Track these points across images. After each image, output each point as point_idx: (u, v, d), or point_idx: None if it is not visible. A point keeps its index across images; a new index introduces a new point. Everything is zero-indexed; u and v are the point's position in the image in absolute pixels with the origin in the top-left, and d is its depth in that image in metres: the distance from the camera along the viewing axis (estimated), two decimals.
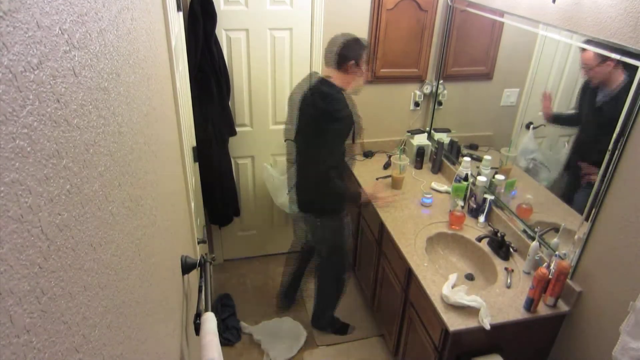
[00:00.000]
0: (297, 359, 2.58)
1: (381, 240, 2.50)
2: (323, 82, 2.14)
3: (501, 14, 2.21)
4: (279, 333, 2.68)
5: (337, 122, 2.09)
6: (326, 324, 2.77)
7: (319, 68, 2.74)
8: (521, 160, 2.24)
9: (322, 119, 2.09)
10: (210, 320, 1.16)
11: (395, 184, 2.67)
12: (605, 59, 1.65)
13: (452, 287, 1.88)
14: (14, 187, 0.33)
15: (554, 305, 1.83)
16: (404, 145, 3.03)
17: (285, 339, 2.65)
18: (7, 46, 0.33)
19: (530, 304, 1.80)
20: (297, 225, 2.75)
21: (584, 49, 1.76)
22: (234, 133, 2.74)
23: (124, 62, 0.72)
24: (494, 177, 2.36)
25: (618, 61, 1.59)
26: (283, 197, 2.84)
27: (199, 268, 1.42)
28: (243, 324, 2.73)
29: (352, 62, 2.09)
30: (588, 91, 1.78)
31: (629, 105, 1.50)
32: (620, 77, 1.60)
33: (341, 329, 2.77)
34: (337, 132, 2.13)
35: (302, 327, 2.73)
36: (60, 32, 0.43)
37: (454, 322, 1.76)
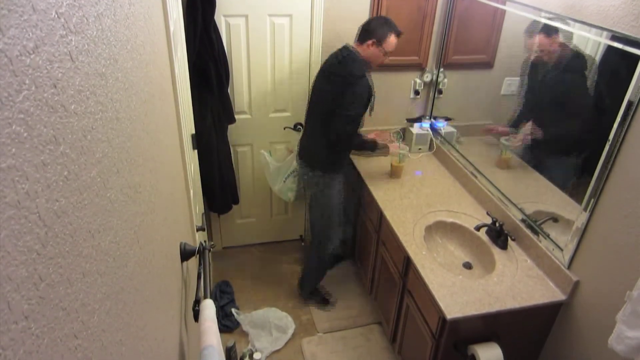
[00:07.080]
0: (295, 345, 2.61)
1: (380, 228, 2.51)
2: (345, 48, 2.29)
3: (503, 1, 2.19)
4: (267, 324, 2.67)
5: (356, 86, 2.20)
6: (307, 294, 2.87)
7: (319, 55, 2.72)
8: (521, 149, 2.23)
9: (341, 81, 2.21)
10: (209, 307, 1.17)
11: (395, 173, 2.67)
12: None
13: None
14: (10, 173, 0.32)
15: None
16: (404, 133, 3.02)
17: (273, 331, 2.64)
18: (2, 30, 0.32)
19: None
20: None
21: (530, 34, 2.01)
22: (233, 121, 2.72)
23: (122, 47, 0.71)
24: None
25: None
26: (279, 184, 2.84)
27: (197, 255, 1.42)
28: (235, 311, 2.72)
29: (374, 40, 2.22)
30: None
31: (630, 95, 1.49)
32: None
33: (322, 301, 2.87)
34: (357, 96, 2.22)
35: (291, 319, 2.72)
36: (56, 15, 0.43)
37: (452, 310, 1.77)
